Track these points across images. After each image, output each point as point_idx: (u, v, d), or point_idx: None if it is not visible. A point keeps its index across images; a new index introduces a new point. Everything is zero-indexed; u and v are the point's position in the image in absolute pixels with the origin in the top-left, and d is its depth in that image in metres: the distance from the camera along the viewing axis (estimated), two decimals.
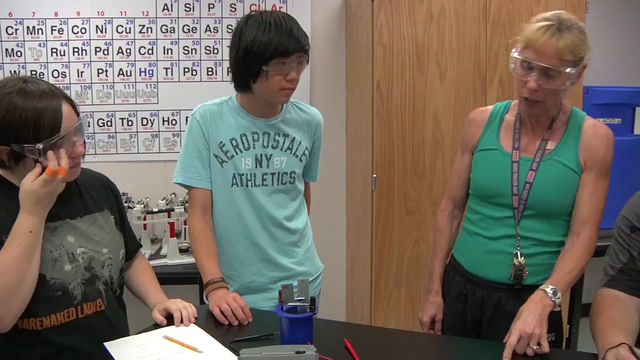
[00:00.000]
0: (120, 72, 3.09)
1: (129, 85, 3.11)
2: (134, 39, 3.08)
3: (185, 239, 2.90)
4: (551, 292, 1.42)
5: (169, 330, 1.46)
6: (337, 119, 3.25)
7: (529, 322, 1.36)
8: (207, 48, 3.13)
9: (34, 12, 3.01)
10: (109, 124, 3.12)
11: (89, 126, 3.04)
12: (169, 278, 2.66)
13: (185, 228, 2.89)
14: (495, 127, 1.64)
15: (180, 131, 3.15)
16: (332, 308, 2.92)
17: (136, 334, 1.48)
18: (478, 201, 1.66)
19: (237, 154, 1.74)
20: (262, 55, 1.60)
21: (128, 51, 3.08)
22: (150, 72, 3.11)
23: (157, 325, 1.52)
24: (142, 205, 2.81)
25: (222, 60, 3.14)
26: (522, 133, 1.59)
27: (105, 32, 3.06)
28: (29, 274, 1.26)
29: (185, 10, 3.09)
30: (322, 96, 3.21)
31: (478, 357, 1.39)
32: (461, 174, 1.74)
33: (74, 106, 1.36)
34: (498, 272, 1.61)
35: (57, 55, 3.05)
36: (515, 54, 1.46)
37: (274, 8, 3.12)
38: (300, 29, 1.65)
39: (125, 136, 3.14)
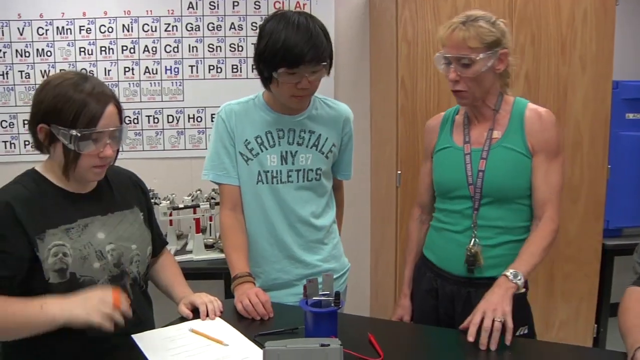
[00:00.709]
0: (147, 70, 3.13)
1: (154, 83, 3.15)
2: (160, 37, 3.12)
3: (210, 235, 2.92)
4: (511, 275, 1.46)
5: (195, 324, 1.48)
6: (362, 116, 3.24)
7: (492, 300, 1.41)
8: (232, 45, 3.15)
9: (63, 13, 3.06)
10: (136, 121, 3.16)
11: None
12: (194, 273, 2.69)
13: (210, 224, 2.92)
14: (448, 128, 1.74)
15: (205, 128, 3.18)
16: (356, 304, 2.91)
17: (163, 327, 1.50)
18: (441, 199, 1.74)
19: (262, 151, 1.75)
20: (270, 63, 1.59)
21: (154, 49, 3.12)
22: (176, 70, 3.14)
23: (183, 319, 1.54)
24: (168, 202, 2.84)
25: (247, 57, 3.15)
26: (471, 128, 1.68)
27: (132, 31, 3.10)
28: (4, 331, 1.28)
29: (210, 8, 3.11)
30: (346, 93, 3.21)
31: (503, 352, 1.38)
32: (425, 180, 1.81)
33: (120, 112, 1.40)
34: (466, 267, 1.64)
35: (85, 54, 3.10)
36: (438, 53, 1.60)
37: (297, 6, 3.13)
38: (319, 35, 1.59)
39: (151, 133, 3.18)
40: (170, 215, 2.83)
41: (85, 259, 1.37)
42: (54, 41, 3.08)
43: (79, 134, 1.30)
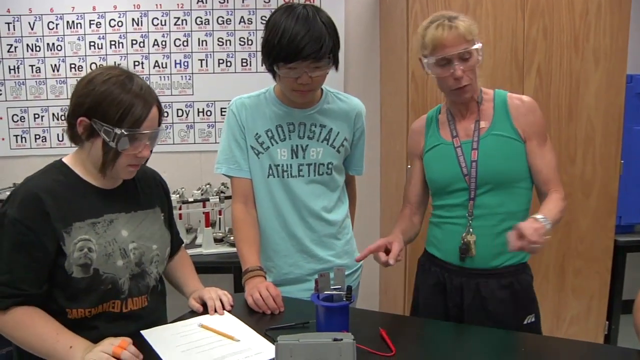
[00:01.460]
0: (156, 64, 3.13)
1: (164, 77, 3.15)
2: (169, 31, 3.12)
3: (219, 229, 2.92)
4: (540, 217, 1.45)
5: (205, 319, 1.48)
6: (372, 110, 3.22)
7: (531, 224, 1.38)
8: (242, 39, 3.15)
9: (74, 7, 3.07)
10: None
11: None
12: (203, 267, 2.68)
13: (219, 218, 2.92)
14: (434, 128, 1.75)
15: (215, 122, 3.18)
16: (366, 299, 2.91)
17: (172, 321, 1.50)
18: (438, 196, 1.73)
19: (272, 145, 1.75)
20: (269, 56, 1.59)
21: (163, 43, 3.12)
22: (185, 63, 3.14)
23: (193, 313, 1.53)
24: (178, 195, 2.85)
25: (256, 51, 3.15)
26: (456, 123, 1.71)
27: (141, 25, 3.10)
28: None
29: (220, 2, 3.11)
30: (356, 87, 3.20)
31: (515, 348, 1.38)
32: (413, 180, 1.81)
33: (160, 114, 1.42)
34: (473, 258, 1.64)
35: (95, 48, 3.11)
36: (427, 60, 1.60)
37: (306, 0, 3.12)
38: (319, 30, 1.55)
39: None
40: (180, 209, 2.84)
41: (110, 256, 1.38)
42: (64, 35, 3.09)
43: (124, 133, 1.31)
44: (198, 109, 3.18)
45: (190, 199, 2.83)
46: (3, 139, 3.14)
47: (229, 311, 1.54)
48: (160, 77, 3.14)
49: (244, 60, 3.16)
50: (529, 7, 2.63)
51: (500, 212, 1.63)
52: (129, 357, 1.21)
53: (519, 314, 1.63)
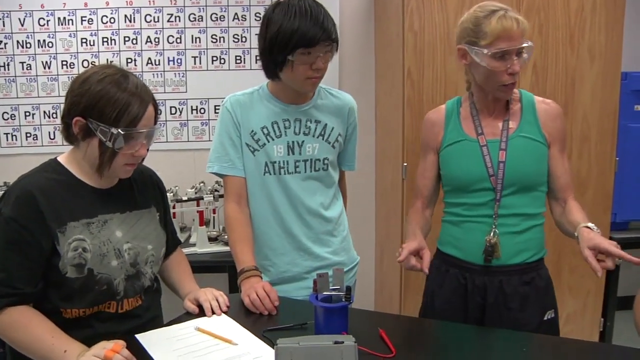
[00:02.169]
0: (149, 62, 3.10)
1: (157, 74, 3.11)
2: (162, 28, 3.08)
3: (214, 228, 2.90)
4: (593, 226, 1.46)
5: (201, 322, 1.46)
6: (367, 107, 3.21)
7: (596, 238, 1.39)
8: (235, 36, 3.12)
9: (65, 3, 3.03)
10: None
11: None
12: (197, 266, 2.65)
13: (214, 217, 2.90)
14: (455, 121, 1.69)
15: (209, 120, 3.15)
16: (361, 298, 2.89)
17: (167, 323, 1.48)
18: (457, 194, 1.68)
19: (268, 141, 1.73)
20: (286, 45, 1.57)
21: (156, 40, 3.09)
22: (179, 61, 3.11)
23: (188, 315, 1.51)
24: (172, 194, 2.82)
25: (251, 48, 3.12)
26: (481, 119, 1.66)
27: (134, 22, 3.06)
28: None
29: None
30: (351, 84, 3.18)
31: (516, 348, 1.36)
32: (427, 174, 1.75)
33: (156, 112, 1.41)
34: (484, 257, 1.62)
35: (87, 45, 3.06)
36: (484, 50, 1.51)
37: None
38: (328, 17, 1.62)
39: None
40: (174, 207, 2.81)
41: (104, 256, 1.36)
42: (55, 32, 3.04)
43: (121, 132, 1.30)
44: (191, 107, 3.15)
45: (184, 198, 2.81)
46: None
47: (225, 312, 1.52)
48: (153, 74, 3.10)
49: (238, 58, 3.13)
50: (525, 4, 2.62)
51: (522, 213, 1.62)
52: None
53: (540, 310, 1.62)
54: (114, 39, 3.07)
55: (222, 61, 3.13)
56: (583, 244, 1.41)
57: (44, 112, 3.10)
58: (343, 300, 1.34)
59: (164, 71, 3.11)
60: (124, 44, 3.07)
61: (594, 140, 2.77)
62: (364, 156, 3.23)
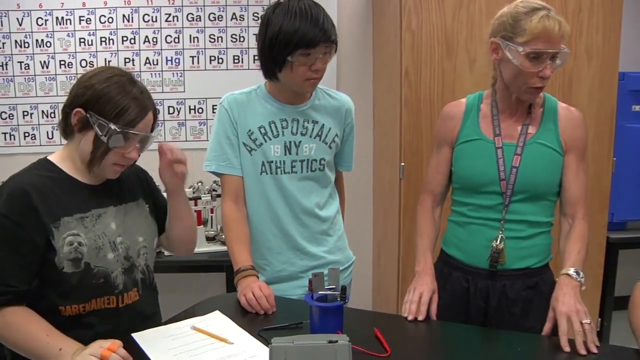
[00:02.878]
0: (147, 61, 3.10)
1: (155, 74, 3.11)
2: (160, 28, 3.08)
3: (212, 227, 2.90)
4: (574, 273, 1.45)
5: (197, 321, 1.46)
6: (364, 107, 3.21)
7: (568, 302, 1.39)
8: (233, 36, 3.12)
9: (63, 3, 3.02)
10: None
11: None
12: (195, 266, 2.68)
13: (211, 216, 2.90)
14: (474, 118, 1.64)
15: (207, 119, 3.15)
16: (358, 298, 2.90)
17: (164, 322, 1.48)
18: (465, 193, 1.65)
19: (265, 141, 1.74)
20: (286, 45, 1.58)
21: (154, 40, 3.09)
22: (177, 60, 3.11)
23: (186, 314, 1.52)
24: None
25: (249, 48, 3.12)
26: (501, 120, 1.61)
27: (132, 21, 3.06)
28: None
29: None
30: (349, 83, 3.18)
31: (511, 348, 1.37)
32: (440, 169, 1.72)
33: (154, 121, 1.44)
34: (489, 262, 1.60)
35: (85, 45, 3.06)
36: (520, 49, 1.45)
37: None
38: (327, 18, 1.62)
39: None
40: None
41: (100, 249, 1.37)
42: (53, 32, 3.04)
43: (117, 129, 1.32)
44: (189, 107, 3.15)
45: None
46: None
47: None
48: (151, 74, 3.10)
49: (236, 57, 3.13)
50: None
51: (528, 221, 1.59)
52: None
53: (543, 314, 1.54)
54: (112, 39, 3.06)
55: (220, 61, 3.12)
56: (552, 300, 1.43)
57: (42, 111, 3.10)
58: (338, 299, 1.35)
59: (162, 71, 3.11)
60: (122, 43, 3.07)
61: (591, 140, 2.76)
62: (361, 156, 3.22)
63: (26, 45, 3.04)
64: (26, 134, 3.10)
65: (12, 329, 1.26)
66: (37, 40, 3.04)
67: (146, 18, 3.07)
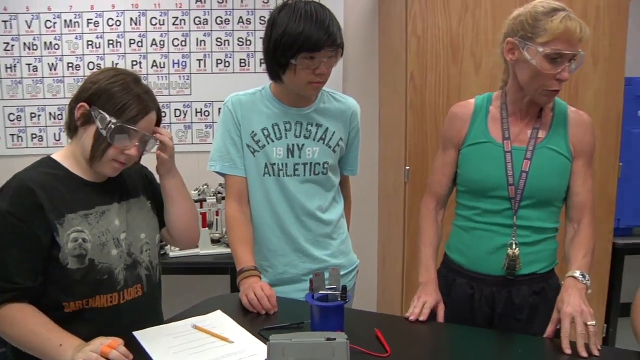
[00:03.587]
0: (154, 64, 3.12)
1: (162, 76, 3.13)
2: (168, 31, 3.11)
3: (217, 230, 2.91)
4: (580, 276, 1.44)
5: (198, 320, 1.47)
6: (370, 110, 3.21)
7: (573, 303, 1.38)
8: (240, 39, 3.14)
9: (71, 6, 3.06)
10: None
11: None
12: (200, 268, 2.69)
13: (217, 219, 2.91)
14: (482, 120, 1.61)
15: (213, 122, 3.17)
16: (363, 300, 2.89)
17: (165, 321, 1.49)
18: (472, 196, 1.62)
19: (268, 143, 1.74)
20: (290, 48, 1.57)
21: (162, 43, 3.11)
22: (184, 63, 3.13)
23: (186, 313, 1.52)
24: None
25: (255, 51, 3.14)
26: (510, 123, 1.58)
27: (140, 25, 3.09)
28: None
29: (218, 2, 3.10)
30: (354, 87, 3.19)
31: (511, 350, 1.36)
32: (446, 171, 1.69)
33: (158, 123, 1.47)
34: (505, 270, 1.57)
35: (92, 47, 3.09)
36: (540, 49, 1.42)
37: None
38: (334, 21, 1.60)
39: None
40: None
41: (104, 246, 1.38)
42: (61, 34, 3.07)
43: (117, 124, 1.34)
44: (196, 109, 3.17)
45: None
46: None
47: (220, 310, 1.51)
48: (158, 76, 3.13)
49: (242, 61, 3.15)
50: None
51: (536, 226, 1.57)
52: (117, 357, 1.20)
53: (549, 320, 1.49)
54: (120, 41, 3.09)
55: (227, 64, 3.14)
56: (557, 302, 1.43)
57: (50, 113, 3.13)
58: (339, 299, 1.35)
59: (168, 74, 3.14)
60: (129, 46, 3.10)
61: (598, 145, 2.69)
62: (367, 159, 3.22)
63: (34, 47, 3.08)
64: (33, 136, 3.13)
65: (14, 325, 1.27)
66: (45, 43, 3.08)
67: (153, 21, 3.10)
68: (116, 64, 3.09)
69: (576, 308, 1.37)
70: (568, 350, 1.31)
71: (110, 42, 3.09)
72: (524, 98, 1.56)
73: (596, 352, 1.30)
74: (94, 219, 1.39)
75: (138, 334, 1.37)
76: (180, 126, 3.18)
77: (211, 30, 3.12)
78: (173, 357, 1.27)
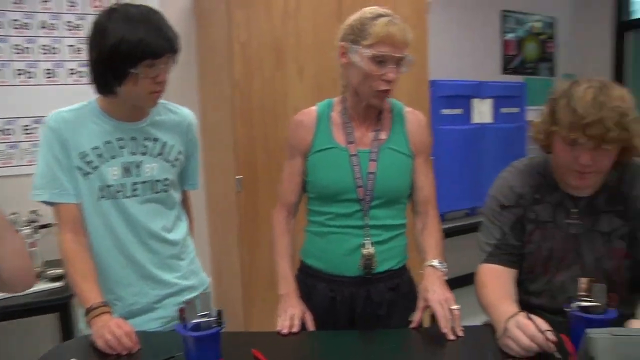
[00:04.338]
0: None
1: None
2: None
3: (35, 264, 2.55)
4: (438, 264, 1.55)
5: None
6: None
7: (437, 290, 1.47)
8: (44, 47, 2.78)
9: None
10: None
11: None
12: (19, 311, 2.32)
13: (34, 251, 2.55)
14: (325, 126, 1.65)
15: (17, 142, 2.76)
16: None
17: None
18: (323, 202, 1.65)
19: (102, 163, 1.56)
20: (130, 57, 1.43)
21: None
22: None
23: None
24: None
25: (63, 60, 2.78)
26: (353, 127, 1.64)
27: None
28: None
29: (14, 2, 2.70)
30: (171, 93, 3.01)
31: (386, 345, 1.41)
32: (294, 179, 1.71)
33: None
34: (362, 270, 1.63)
35: None
36: (366, 52, 1.49)
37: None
38: (169, 25, 1.51)
39: None
40: None
41: None
42: None
43: None
44: None
45: None
46: None
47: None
48: None
49: (48, 71, 2.79)
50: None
51: (386, 225, 1.63)
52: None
53: (406, 313, 1.63)
54: None
55: (30, 75, 2.75)
56: (421, 291, 1.51)
57: None
58: (215, 325, 1.26)
59: None
60: None
61: None
62: None
63: None
64: None
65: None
66: None
67: None
68: None
69: (441, 295, 1.46)
70: (452, 336, 1.39)
71: None
72: (362, 102, 1.61)
73: (461, 333, 1.40)
74: None
75: None
76: None
77: (7, 36, 2.71)
78: None
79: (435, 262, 1.55)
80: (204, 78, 3.10)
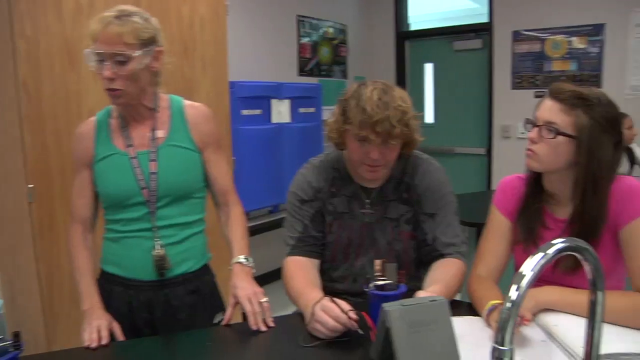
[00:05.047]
0: None
1: None
2: None
3: None
4: (244, 260, 1.60)
5: None
6: None
7: (246, 287, 1.53)
8: None
9: None
10: None
11: None
12: None
13: None
14: (105, 133, 1.63)
15: None
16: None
17: None
18: (114, 210, 1.63)
19: None
20: None
21: None
22: None
23: None
24: None
25: None
26: (130, 130, 1.62)
27: None
28: None
29: None
30: None
31: (203, 345, 1.43)
32: (85, 193, 1.66)
33: None
34: (157, 272, 1.62)
35: None
36: (88, 50, 1.49)
37: None
38: None
39: None
40: None
41: None
42: None
43: None
44: None
45: None
46: None
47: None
48: None
49: None
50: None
51: (179, 223, 1.62)
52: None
53: (208, 314, 1.66)
54: None
55: None
56: (231, 288, 1.55)
57: None
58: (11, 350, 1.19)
59: None
60: None
61: None
62: None
63: None
64: None
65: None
66: None
67: None
68: None
69: (249, 290, 1.51)
70: (263, 327, 1.45)
71: None
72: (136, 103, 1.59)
73: (272, 324, 1.47)
74: None
75: None
76: None
77: None
78: None
79: (242, 259, 1.60)
80: None
